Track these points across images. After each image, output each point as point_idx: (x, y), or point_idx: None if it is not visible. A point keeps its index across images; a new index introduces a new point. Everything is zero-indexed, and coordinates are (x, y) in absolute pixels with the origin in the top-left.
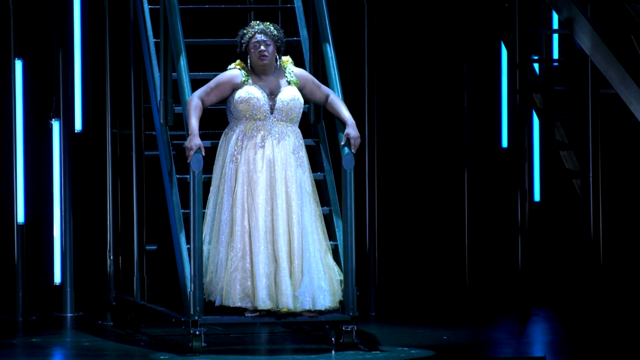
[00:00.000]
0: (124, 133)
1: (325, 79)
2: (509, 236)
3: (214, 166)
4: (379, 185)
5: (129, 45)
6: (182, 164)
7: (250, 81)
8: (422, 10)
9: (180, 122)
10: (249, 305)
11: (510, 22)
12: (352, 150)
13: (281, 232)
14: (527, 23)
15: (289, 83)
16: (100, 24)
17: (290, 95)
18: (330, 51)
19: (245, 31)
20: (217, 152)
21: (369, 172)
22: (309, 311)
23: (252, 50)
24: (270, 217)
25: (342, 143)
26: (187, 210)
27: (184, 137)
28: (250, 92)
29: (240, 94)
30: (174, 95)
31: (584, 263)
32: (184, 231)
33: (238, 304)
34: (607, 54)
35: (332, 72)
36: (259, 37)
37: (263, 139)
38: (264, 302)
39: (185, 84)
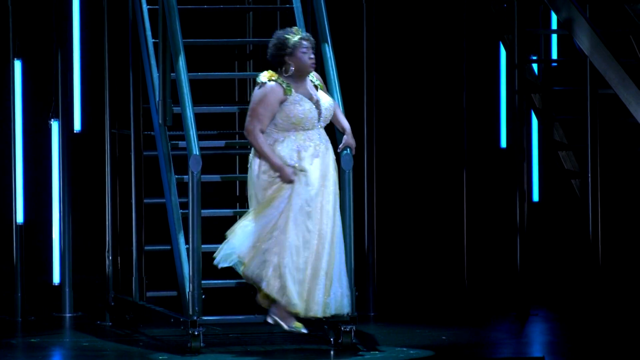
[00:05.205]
0: (123, 133)
1: (324, 79)
2: (508, 236)
3: (261, 174)
4: (377, 185)
5: (127, 46)
6: (181, 165)
7: (293, 91)
8: (421, 11)
9: (178, 122)
10: (283, 302)
11: (509, 23)
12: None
13: (327, 240)
14: (526, 23)
15: (316, 87)
16: (99, 24)
17: (328, 101)
18: (329, 51)
19: (289, 36)
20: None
21: (367, 172)
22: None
23: (301, 55)
24: (320, 226)
25: (340, 148)
26: (186, 211)
27: (183, 137)
28: (303, 104)
29: (293, 107)
30: (173, 95)
31: (583, 263)
32: (182, 232)
33: (276, 297)
34: (606, 55)
35: (331, 72)
36: (306, 43)
37: (315, 149)
38: (300, 308)
39: (184, 84)
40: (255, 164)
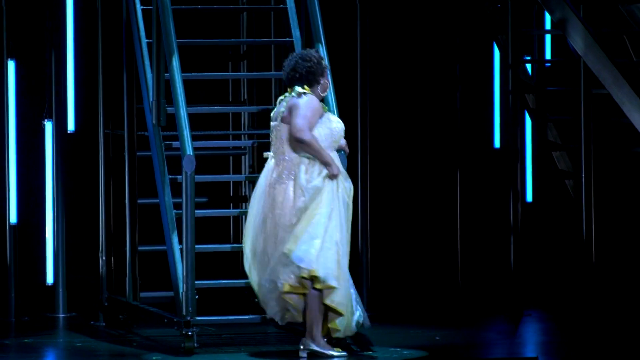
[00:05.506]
0: (117, 133)
1: None
2: (502, 236)
3: (316, 177)
4: (371, 185)
5: (121, 46)
6: (176, 165)
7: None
8: (414, 11)
9: (172, 123)
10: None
11: (503, 23)
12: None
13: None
14: (520, 23)
15: None
16: (93, 25)
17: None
18: (322, 51)
19: (322, 57)
20: (311, 174)
21: (361, 172)
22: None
23: (326, 78)
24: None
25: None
26: (180, 211)
27: (176, 138)
28: (339, 123)
29: (334, 125)
30: (167, 95)
31: (577, 263)
32: (176, 232)
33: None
34: (599, 55)
35: None
36: None
37: (340, 168)
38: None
39: (177, 85)
40: (301, 173)
